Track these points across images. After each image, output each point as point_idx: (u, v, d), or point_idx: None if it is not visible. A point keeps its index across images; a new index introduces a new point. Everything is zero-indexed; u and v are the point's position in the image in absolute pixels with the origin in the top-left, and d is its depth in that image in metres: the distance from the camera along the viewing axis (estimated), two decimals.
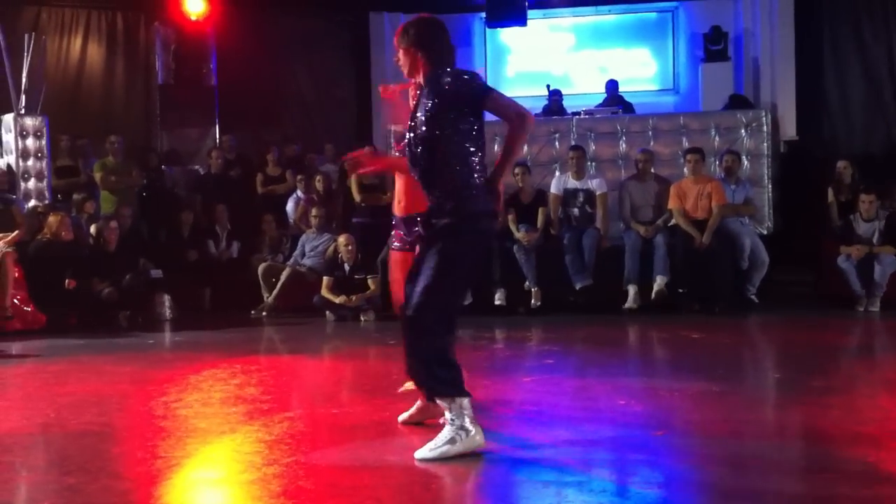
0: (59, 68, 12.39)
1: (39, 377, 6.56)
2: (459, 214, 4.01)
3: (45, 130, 10.62)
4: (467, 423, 4.02)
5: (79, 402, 5.50)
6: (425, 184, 4.13)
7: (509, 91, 13.04)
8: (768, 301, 9.38)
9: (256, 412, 5.06)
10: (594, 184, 9.81)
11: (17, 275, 8.95)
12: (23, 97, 10.51)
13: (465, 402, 4.05)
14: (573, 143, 10.44)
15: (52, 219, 9.45)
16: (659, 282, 9.20)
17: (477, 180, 4.04)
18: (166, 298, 10.05)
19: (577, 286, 9.39)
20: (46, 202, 10.45)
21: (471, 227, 4.04)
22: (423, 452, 4.00)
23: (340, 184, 11.18)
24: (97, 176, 10.97)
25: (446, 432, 4.02)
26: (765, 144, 10.46)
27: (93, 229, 10.03)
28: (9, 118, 10.49)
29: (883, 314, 8.79)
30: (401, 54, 4.22)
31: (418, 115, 4.10)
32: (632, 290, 9.28)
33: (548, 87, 12.24)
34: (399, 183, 5.06)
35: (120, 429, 4.89)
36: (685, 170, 9.79)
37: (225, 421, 4.90)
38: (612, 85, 12.49)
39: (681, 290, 9.26)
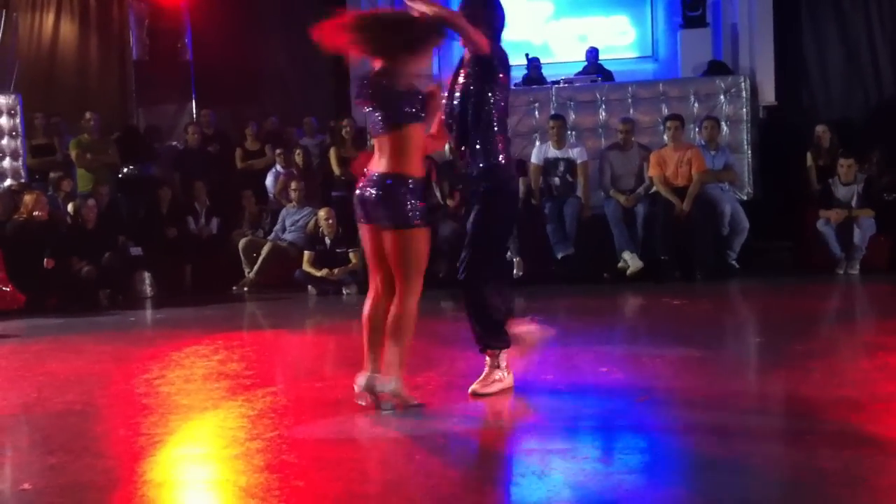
0: (32, 46, 12.23)
1: (20, 357, 6.51)
2: None
3: (18, 109, 10.52)
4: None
5: (60, 381, 5.48)
6: None
7: None
8: (749, 266, 9.42)
9: (239, 387, 5.05)
10: (575, 153, 9.80)
11: None
12: None
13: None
14: (553, 112, 10.41)
15: (27, 198, 9.37)
16: (631, 258, 9.25)
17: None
18: (146, 276, 10.00)
19: (559, 255, 9.41)
20: (22, 181, 10.35)
21: None
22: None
23: (320, 157, 11.13)
24: (73, 154, 10.86)
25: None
26: (744, 110, 10.47)
27: (70, 208, 9.94)
28: None
29: (863, 277, 8.85)
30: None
31: None
32: (627, 255, 9.29)
33: (526, 55, 12.17)
34: None
35: (102, 407, 4.87)
36: (665, 137, 9.78)
37: (208, 397, 4.89)
38: (592, 53, 12.44)
39: (662, 258, 9.28)
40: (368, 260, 4.43)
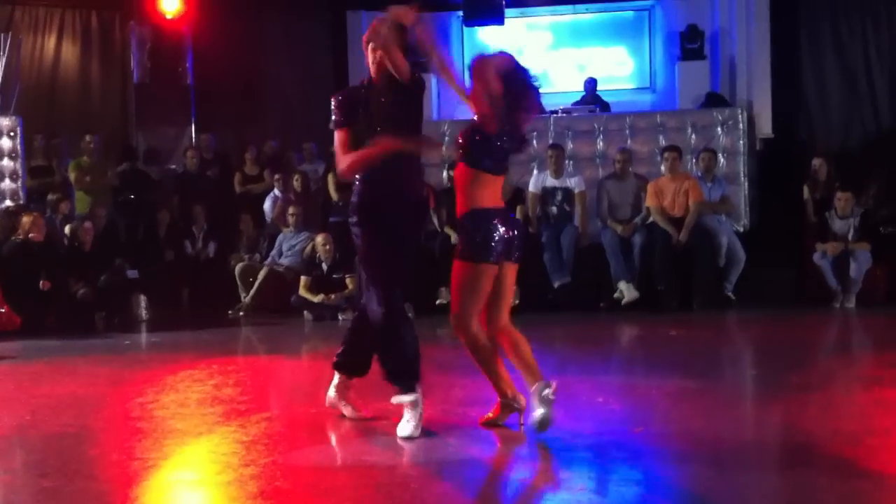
0: (34, 67, 12.25)
1: (15, 379, 6.49)
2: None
3: (18, 130, 10.52)
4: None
5: (55, 403, 5.46)
6: None
7: None
8: (745, 298, 9.42)
9: (233, 413, 5.03)
10: (572, 182, 9.83)
11: None
12: None
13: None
14: (551, 141, 10.45)
15: (25, 219, 9.36)
16: (627, 288, 9.25)
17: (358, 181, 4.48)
18: (142, 299, 9.97)
19: (556, 284, 9.40)
20: (20, 202, 10.35)
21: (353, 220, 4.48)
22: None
23: (319, 183, 11.15)
24: (72, 176, 10.88)
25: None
26: (741, 142, 10.54)
27: (67, 230, 9.94)
28: None
29: (859, 310, 8.85)
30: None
31: None
32: (623, 285, 9.29)
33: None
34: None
35: (96, 430, 4.85)
36: (662, 168, 9.83)
37: (202, 422, 4.87)
38: (590, 83, 12.51)
39: (659, 288, 9.29)
40: (485, 297, 4.41)
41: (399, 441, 4.25)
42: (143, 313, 9.95)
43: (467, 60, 4.64)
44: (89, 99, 12.57)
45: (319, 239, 9.62)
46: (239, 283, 10.19)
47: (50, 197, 10.53)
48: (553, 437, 4.33)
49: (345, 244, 9.65)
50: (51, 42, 12.41)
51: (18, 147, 10.51)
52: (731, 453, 4.02)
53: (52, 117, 12.05)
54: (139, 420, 4.96)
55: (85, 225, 9.70)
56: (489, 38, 13.33)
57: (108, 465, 4.09)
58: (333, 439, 4.43)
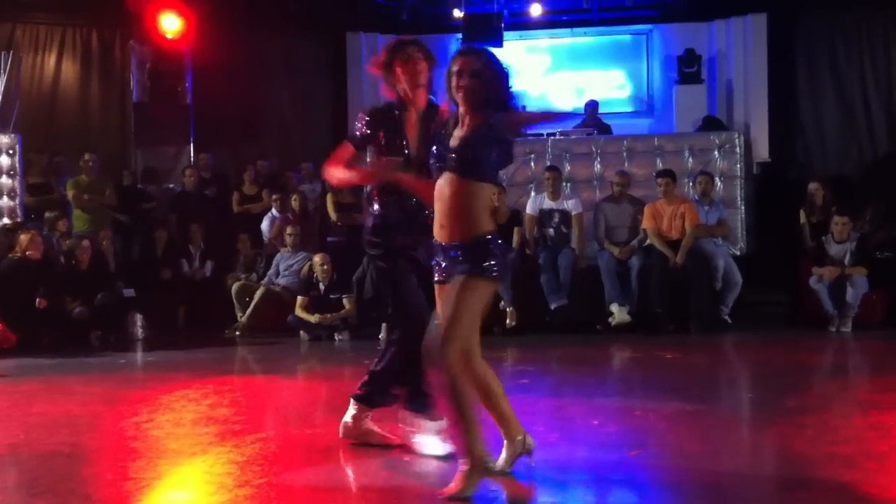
0: (34, 85, 12.29)
1: (9, 397, 6.47)
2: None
3: (17, 148, 10.54)
4: None
5: (49, 422, 5.44)
6: None
7: None
8: (741, 322, 9.42)
9: (228, 433, 5.01)
10: (570, 204, 9.85)
11: None
12: None
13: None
14: (549, 163, 10.49)
15: (22, 237, 9.37)
16: (618, 310, 9.27)
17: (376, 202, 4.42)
18: (139, 318, 9.96)
19: (553, 306, 9.40)
20: (18, 220, 10.35)
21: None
22: None
23: (318, 203, 11.16)
24: (70, 194, 10.88)
25: None
26: (738, 166, 10.57)
27: (65, 247, 9.93)
28: None
29: (855, 334, 8.85)
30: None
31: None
32: (615, 307, 9.30)
33: (523, 107, 12.25)
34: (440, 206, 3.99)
35: (90, 450, 4.83)
36: (659, 192, 9.85)
37: (196, 442, 4.85)
38: (591, 106, 12.56)
39: (656, 311, 9.28)
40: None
41: (394, 462, 4.23)
42: (139, 332, 9.94)
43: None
44: (89, 117, 12.61)
45: (317, 259, 9.63)
46: (235, 302, 10.18)
47: (48, 215, 10.53)
48: (548, 458, 4.32)
49: (342, 264, 9.69)
50: (51, 60, 12.46)
51: (17, 165, 10.53)
52: (727, 477, 4.01)
53: (52, 135, 12.08)
54: (133, 440, 4.94)
55: (83, 243, 9.70)
56: None
57: (102, 485, 4.07)
58: (329, 460, 4.41)
